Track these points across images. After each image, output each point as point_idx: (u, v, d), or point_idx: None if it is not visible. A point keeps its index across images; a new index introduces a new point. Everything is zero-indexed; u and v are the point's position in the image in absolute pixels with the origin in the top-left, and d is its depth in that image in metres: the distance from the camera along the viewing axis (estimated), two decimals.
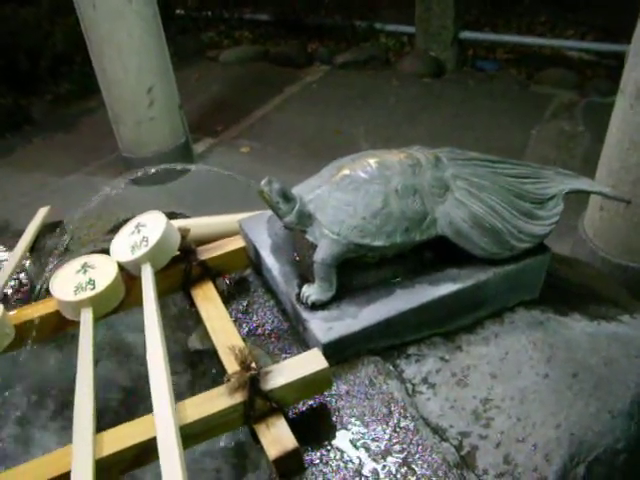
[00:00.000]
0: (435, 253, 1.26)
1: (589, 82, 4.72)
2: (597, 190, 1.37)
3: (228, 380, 0.96)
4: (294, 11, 5.98)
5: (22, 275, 1.53)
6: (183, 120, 3.76)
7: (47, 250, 1.63)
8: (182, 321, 1.33)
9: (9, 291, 1.49)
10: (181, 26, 6.21)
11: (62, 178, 4.00)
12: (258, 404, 0.97)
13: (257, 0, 6.25)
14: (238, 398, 0.96)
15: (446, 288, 1.20)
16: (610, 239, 2.37)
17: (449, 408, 1.09)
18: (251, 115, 4.73)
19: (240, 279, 1.38)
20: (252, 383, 0.96)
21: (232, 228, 1.45)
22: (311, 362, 1.01)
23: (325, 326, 1.13)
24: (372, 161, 1.21)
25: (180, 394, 1.23)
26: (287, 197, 1.16)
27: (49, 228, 1.72)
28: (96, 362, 1.32)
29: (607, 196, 1.41)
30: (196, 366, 1.25)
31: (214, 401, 0.97)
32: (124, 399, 1.25)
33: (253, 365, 0.99)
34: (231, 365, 1.04)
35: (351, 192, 1.17)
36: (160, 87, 3.42)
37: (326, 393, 1.09)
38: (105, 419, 1.16)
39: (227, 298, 1.33)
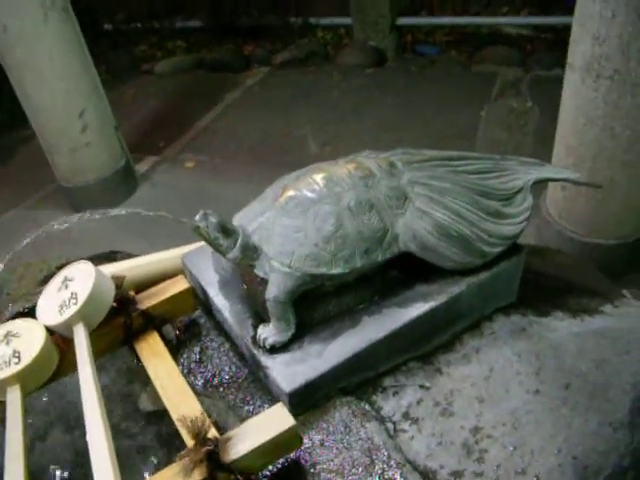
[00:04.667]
0: (400, 270, 1.14)
1: (531, 57, 4.70)
2: (565, 177, 1.28)
3: (181, 459, 0.82)
4: (225, 14, 5.79)
5: None
6: (121, 141, 3.56)
7: None
8: (130, 377, 1.18)
9: None
10: (111, 41, 5.96)
11: (0, 215, 3.76)
12: (221, 478, 0.84)
13: (185, 7, 6.02)
14: (197, 476, 0.82)
15: (417, 308, 1.08)
16: (576, 218, 2.30)
17: (437, 445, 0.98)
18: (193, 127, 4.54)
19: (190, 322, 1.24)
20: (210, 458, 0.82)
21: (177, 264, 1.31)
22: (275, 421, 0.87)
23: (288, 372, 0.99)
24: (319, 177, 1.08)
25: (134, 464, 1.10)
26: (227, 231, 1.02)
27: None
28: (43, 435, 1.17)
29: (577, 183, 1.32)
30: (150, 429, 1.11)
31: None
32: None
33: (211, 434, 0.86)
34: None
35: (298, 216, 1.03)
36: (92, 110, 3.20)
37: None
38: None
39: (177, 346, 1.19)
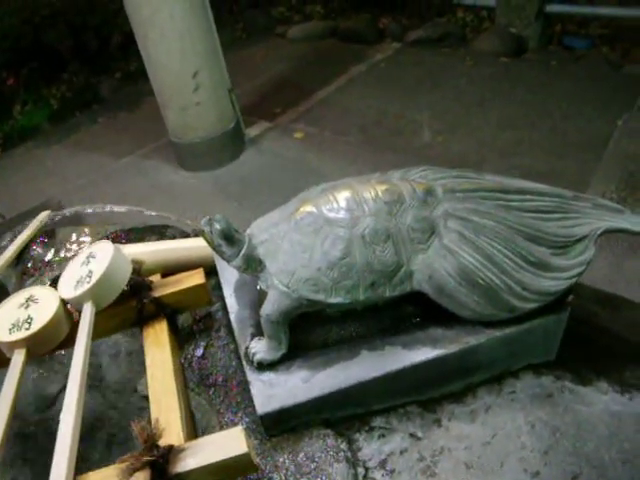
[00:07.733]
0: (418, 307, 1.06)
1: None
2: None
3: (121, 463, 0.82)
4: None
5: None
6: (234, 104, 3.63)
7: (35, 260, 1.56)
8: (138, 358, 1.21)
9: None
10: (251, 0, 6.07)
11: (118, 160, 4.01)
12: None
13: None
14: (140, 479, 0.83)
15: (424, 353, 1.00)
16: None
17: None
18: (312, 97, 4.53)
19: (206, 314, 1.24)
20: (154, 467, 0.82)
21: (208, 254, 1.31)
22: (229, 444, 0.85)
23: (267, 393, 0.97)
24: (341, 197, 1.01)
25: (124, 442, 1.13)
26: (232, 239, 0.99)
27: (45, 235, 1.65)
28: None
29: None
30: (141, 414, 1.13)
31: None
32: None
33: (171, 441, 0.86)
34: None
35: (309, 235, 0.98)
36: (206, 71, 3.29)
37: (265, 467, 0.94)
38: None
39: (187, 335, 1.20)
